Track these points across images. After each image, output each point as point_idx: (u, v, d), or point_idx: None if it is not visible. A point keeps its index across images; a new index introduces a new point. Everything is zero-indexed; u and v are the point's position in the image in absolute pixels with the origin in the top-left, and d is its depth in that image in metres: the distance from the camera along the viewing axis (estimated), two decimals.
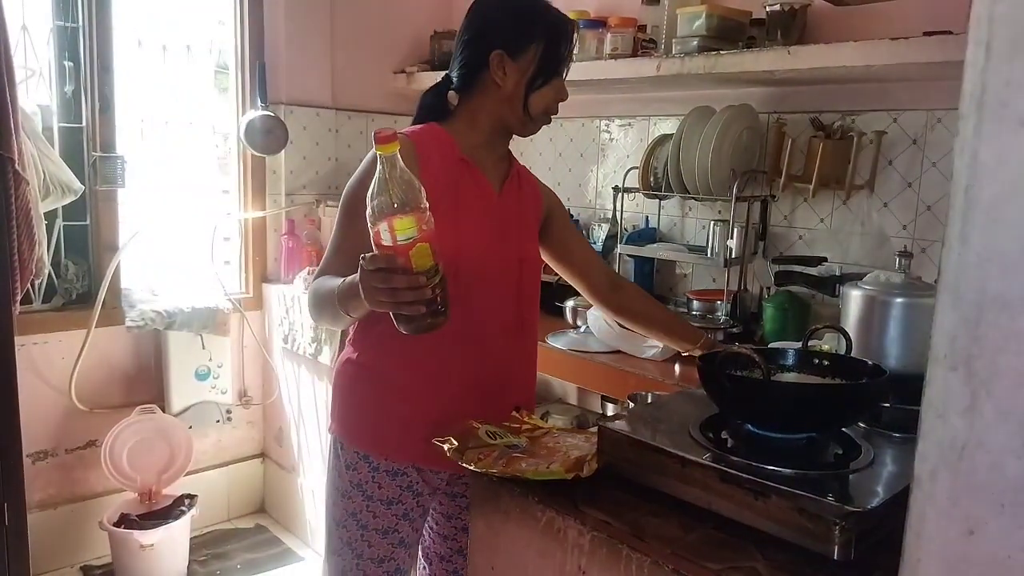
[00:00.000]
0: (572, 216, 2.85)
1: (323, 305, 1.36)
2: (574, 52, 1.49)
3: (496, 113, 1.45)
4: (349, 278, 1.26)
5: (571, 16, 2.44)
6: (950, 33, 1.60)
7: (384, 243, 1.12)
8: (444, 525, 1.59)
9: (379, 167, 1.10)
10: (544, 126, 1.49)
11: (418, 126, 1.47)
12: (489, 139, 1.48)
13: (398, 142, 1.10)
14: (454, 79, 1.48)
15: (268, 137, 2.79)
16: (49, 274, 2.45)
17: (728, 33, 2.04)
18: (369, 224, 1.12)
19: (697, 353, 1.63)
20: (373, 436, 1.46)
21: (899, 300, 1.33)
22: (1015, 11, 0.58)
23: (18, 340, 1.93)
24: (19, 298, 2.07)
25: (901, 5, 1.75)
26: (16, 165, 1.94)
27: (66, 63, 2.47)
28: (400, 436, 1.43)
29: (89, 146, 2.53)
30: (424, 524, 1.57)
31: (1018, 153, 0.59)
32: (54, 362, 2.56)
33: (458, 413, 1.35)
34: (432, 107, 1.51)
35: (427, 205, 1.13)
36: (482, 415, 1.37)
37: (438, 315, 1.17)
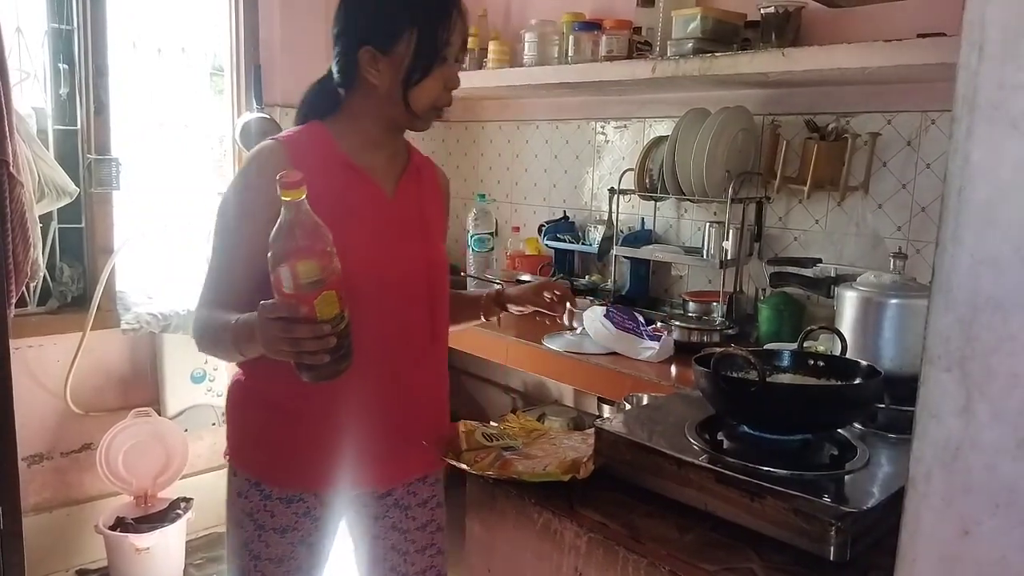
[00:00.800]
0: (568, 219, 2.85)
1: (214, 341, 1.27)
2: (466, 30, 1.33)
3: (377, 112, 1.32)
4: (244, 318, 1.18)
5: (566, 18, 2.47)
6: (944, 35, 1.61)
7: (286, 290, 1.06)
8: (411, 542, 1.49)
9: (283, 211, 1.06)
10: (436, 120, 1.36)
11: (296, 128, 1.37)
12: (376, 138, 1.35)
13: (305, 188, 1.06)
14: (334, 75, 1.34)
15: (263, 138, 2.76)
16: (44, 277, 2.45)
17: (723, 35, 2.05)
18: (270, 268, 1.07)
19: (497, 312, 1.59)
20: (263, 463, 1.36)
21: (893, 301, 1.34)
22: (1007, 14, 0.58)
23: (13, 343, 1.93)
24: (14, 301, 2.06)
25: (895, 7, 1.76)
26: (11, 168, 1.94)
27: (61, 65, 2.47)
28: (291, 462, 1.34)
29: (84, 148, 2.53)
30: (330, 544, 1.45)
31: (1010, 155, 0.59)
32: (49, 365, 2.55)
33: (359, 436, 1.32)
34: (314, 104, 1.38)
35: (333, 250, 1.08)
36: (389, 436, 1.35)
37: (342, 361, 1.12)
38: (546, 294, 1.59)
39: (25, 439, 2.21)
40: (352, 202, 1.30)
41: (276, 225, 1.07)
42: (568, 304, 1.60)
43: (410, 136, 1.43)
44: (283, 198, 1.05)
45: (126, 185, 2.61)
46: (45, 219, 2.40)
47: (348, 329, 1.12)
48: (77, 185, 2.42)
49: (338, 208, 1.22)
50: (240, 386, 1.40)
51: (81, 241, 2.60)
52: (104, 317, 2.59)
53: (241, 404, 1.41)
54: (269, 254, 1.06)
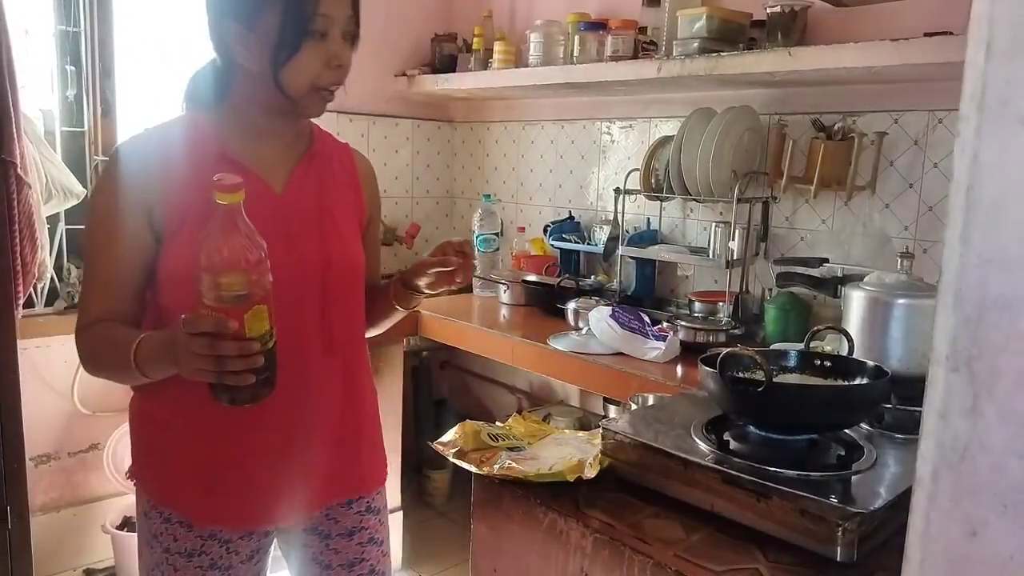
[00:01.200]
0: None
1: (111, 361, 1.15)
2: (353, 2, 1.18)
3: (255, 96, 1.19)
4: (152, 335, 1.09)
5: (571, 19, 2.47)
6: (950, 34, 1.60)
7: (211, 303, 0.97)
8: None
9: (217, 216, 0.97)
10: (328, 102, 1.21)
11: (171, 119, 1.24)
12: (262, 127, 1.22)
13: (243, 193, 0.97)
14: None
15: None
16: (51, 278, 2.46)
17: (728, 35, 2.05)
18: (197, 277, 0.97)
19: (408, 294, 1.35)
20: (161, 485, 1.26)
21: (901, 301, 1.33)
22: (1015, 10, 0.58)
23: (20, 344, 1.94)
24: (21, 302, 2.07)
25: (901, 6, 1.76)
26: (18, 169, 1.95)
27: (68, 67, 2.48)
28: (180, 489, 1.24)
29: (91, 150, 2.54)
30: (253, 569, 1.31)
31: (1019, 153, 0.58)
32: (56, 365, 2.56)
33: (255, 457, 1.21)
34: (195, 94, 1.25)
35: (267, 261, 1.00)
36: (281, 467, 1.22)
37: (264, 386, 1.03)
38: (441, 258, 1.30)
39: (32, 439, 2.22)
40: None
41: (207, 231, 0.98)
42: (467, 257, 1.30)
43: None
44: (218, 201, 0.97)
45: None
46: (52, 220, 2.41)
47: (275, 349, 1.03)
48: (84, 186, 2.43)
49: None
50: (135, 403, 1.31)
51: None
52: None
53: (137, 423, 1.31)
54: (200, 261, 0.97)
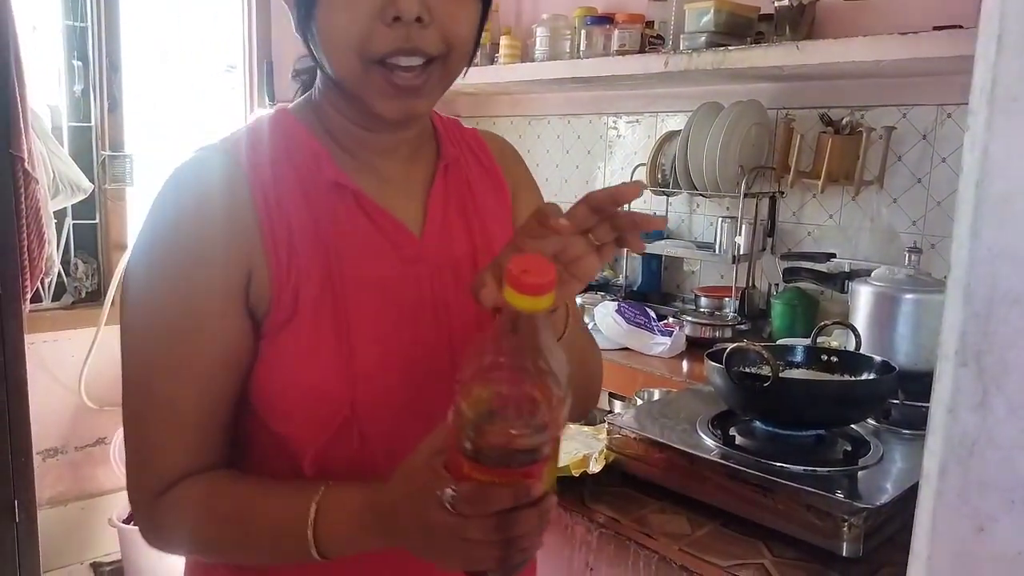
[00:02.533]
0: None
1: (247, 539, 0.72)
2: None
3: (329, 94, 0.77)
4: (340, 497, 0.68)
5: (578, 13, 2.46)
6: (960, 27, 1.59)
7: (492, 461, 0.58)
8: None
9: (504, 328, 0.58)
10: (411, 92, 0.70)
11: (255, 123, 0.79)
12: (366, 140, 0.78)
13: (554, 294, 0.57)
14: None
15: None
16: (59, 273, 2.47)
17: (736, 28, 2.04)
18: (462, 428, 0.57)
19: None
20: None
21: (908, 296, 1.33)
22: None
23: (28, 338, 1.95)
24: (29, 296, 2.08)
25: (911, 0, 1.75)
26: (26, 164, 1.95)
27: (75, 62, 2.48)
28: None
29: (98, 145, 2.55)
30: None
31: None
32: (64, 360, 2.57)
33: None
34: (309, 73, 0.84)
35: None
36: None
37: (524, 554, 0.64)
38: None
39: (40, 433, 2.23)
40: (351, 261, 0.74)
41: (483, 351, 0.58)
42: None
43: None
44: (516, 305, 0.57)
45: (139, 181, 2.63)
46: (59, 215, 2.42)
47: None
48: (91, 181, 2.44)
49: (328, 283, 0.72)
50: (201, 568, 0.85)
51: (95, 237, 2.62)
52: (118, 312, 2.61)
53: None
54: (468, 397, 0.57)
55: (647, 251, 2.42)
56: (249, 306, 0.72)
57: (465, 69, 0.76)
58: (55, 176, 2.24)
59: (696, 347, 1.98)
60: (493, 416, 0.58)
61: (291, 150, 0.76)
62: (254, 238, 0.71)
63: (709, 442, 1.06)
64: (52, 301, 2.53)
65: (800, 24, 1.96)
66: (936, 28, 1.62)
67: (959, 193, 0.62)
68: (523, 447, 0.58)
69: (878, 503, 0.90)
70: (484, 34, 0.78)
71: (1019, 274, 0.59)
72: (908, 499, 0.88)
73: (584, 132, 2.81)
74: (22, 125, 1.94)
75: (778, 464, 0.98)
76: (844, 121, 2.05)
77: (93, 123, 2.54)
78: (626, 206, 0.65)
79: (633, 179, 2.43)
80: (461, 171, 0.85)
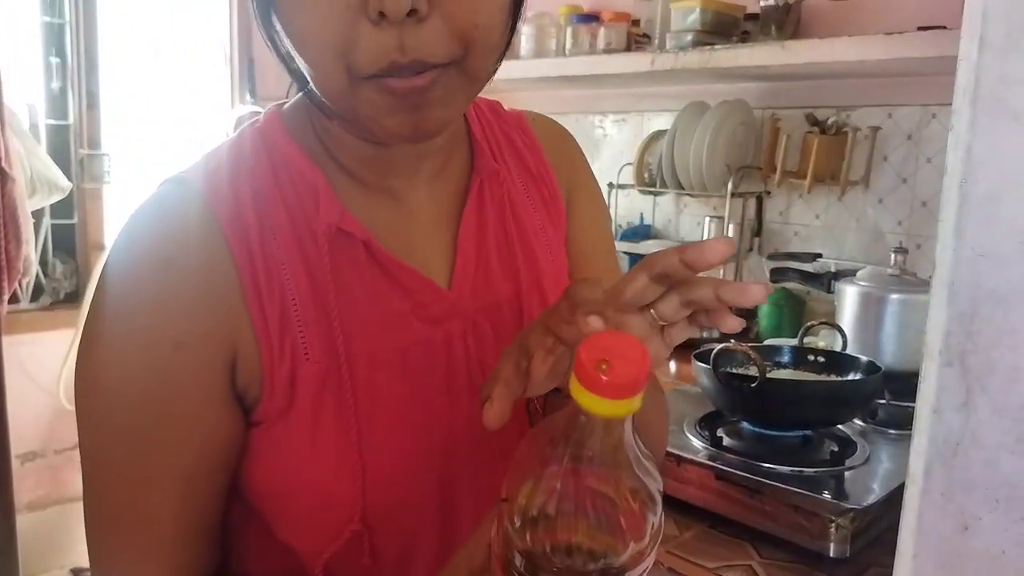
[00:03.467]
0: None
1: None
2: None
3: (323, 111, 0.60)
4: None
5: (564, 11, 2.45)
6: (944, 28, 1.59)
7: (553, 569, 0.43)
8: None
9: (586, 433, 0.42)
10: (416, 106, 0.52)
11: (248, 139, 0.62)
12: (373, 161, 0.62)
13: (642, 392, 0.41)
14: None
15: None
16: (36, 273, 2.44)
17: (722, 28, 2.04)
18: (509, 537, 0.43)
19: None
20: None
21: (894, 296, 1.33)
22: (1009, 5, 0.57)
23: (6, 340, 1.92)
24: (6, 298, 2.05)
25: (896, 0, 1.75)
26: (2, 163, 1.92)
27: (52, 59, 2.45)
28: None
29: (76, 143, 2.52)
30: None
31: (1012, 147, 0.58)
32: (43, 362, 2.54)
33: None
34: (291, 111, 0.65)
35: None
36: None
37: None
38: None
39: (18, 437, 2.20)
40: (373, 334, 0.60)
41: (535, 454, 0.44)
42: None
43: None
44: (592, 410, 0.41)
45: (117, 180, 2.60)
46: (37, 215, 2.38)
47: None
48: (69, 180, 2.40)
49: (342, 352, 0.58)
50: None
51: (73, 237, 2.59)
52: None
53: None
54: (513, 497, 0.43)
55: (635, 251, 2.42)
56: (236, 390, 0.58)
57: (495, 64, 0.58)
58: (32, 175, 2.21)
59: (683, 347, 1.96)
60: (548, 516, 0.42)
61: (282, 183, 0.59)
62: (237, 307, 0.56)
63: (697, 443, 1.06)
64: (30, 302, 2.50)
65: (786, 24, 1.96)
66: (920, 28, 1.63)
67: (943, 193, 0.61)
68: (591, 553, 0.42)
69: (865, 503, 0.90)
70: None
71: (1003, 274, 0.59)
72: (895, 499, 0.88)
73: (571, 131, 2.80)
74: None
75: (766, 465, 0.98)
76: (830, 121, 2.05)
77: (71, 121, 2.50)
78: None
79: (619, 179, 2.42)
80: (501, 185, 0.67)
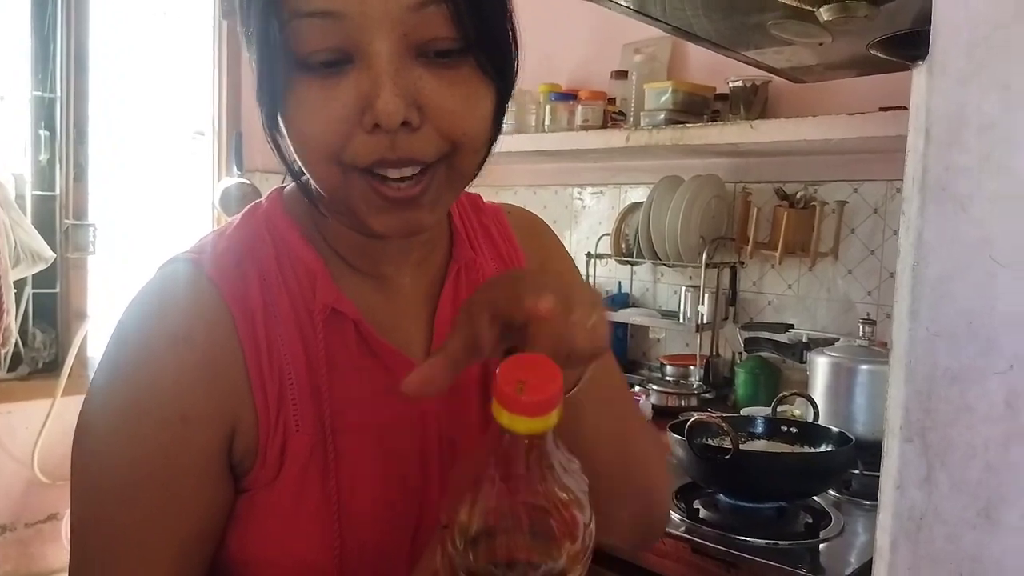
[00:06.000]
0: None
1: None
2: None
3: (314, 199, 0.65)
4: None
5: (543, 89, 2.54)
6: (904, 108, 1.67)
7: None
8: None
9: (493, 440, 0.46)
10: (406, 204, 0.57)
11: (252, 222, 0.67)
12: (364, 246, 0.66)
13: (560, 408, 0.46)
14: None
15: (244, 204, 2.75)
16: (16, 342, 2.42)
17: (693, 107, 2.12)
18: (453, 562, 0.46)
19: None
20: None
21: (863, 367, 1.36)
22: (948, 104, 0.62)
23: None
24: None
25: (857, 82, 1.83)
26: None
27: (42, 132, 2.49)
28: None
29: (62, 214, 2.53)
30: None
31: (959, 234, 0.61)
32: (17, 432, 2.50)
33: None
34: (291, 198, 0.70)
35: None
36: None
37: None
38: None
39: None
40: (358, 409, 0.64)
41: (468, 474, 0.47)
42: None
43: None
44: (514, 429, 0.45)
45: (102, 249, 2.61)
46: (19, 284, 2.38)
47: None
48: (54, 250, 2.41)
49: (329, 426, 0.61)
50: None
51: (55, 306, 2.58)
52: (76, 383, 2.55)
53: None
54: (452, 522, 0.46)
55: (613, 319, 2.45)
56: (232, 461, 0.60)
57: (480, 164, 0.61)
58: (16, 245, 2.22)
59: (662, 416, 1.98)
60: (488, 534, 0.44)
61: (284, 266, 0.64)
62: (240, 384, 0.59)
63: (674, 516, 1.07)
64: (8, 372, 2.47)
65: (753, 104, 2.04)
66: (882, 109, 1.71)
67: (897, 275, 0.65)
68: (531, 563, 0.44)
69: None
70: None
71: (957, 353, 0.61)
72: (869, 571, 0.89)
73: (550, 202, 2.87)
74: None
75: (741, 538, 0.99)
76: (798, 195, 2.12)
77: (58, 192, 2.52)
78: None
79: (597, 249, 2.47)
80: (476, 274, 0.72)
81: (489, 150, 0.63)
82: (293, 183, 0.68)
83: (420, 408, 0.65)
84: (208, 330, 0.59)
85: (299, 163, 0.59)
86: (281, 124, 0.58)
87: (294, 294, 0.63)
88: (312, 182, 0.59)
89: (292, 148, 0.58)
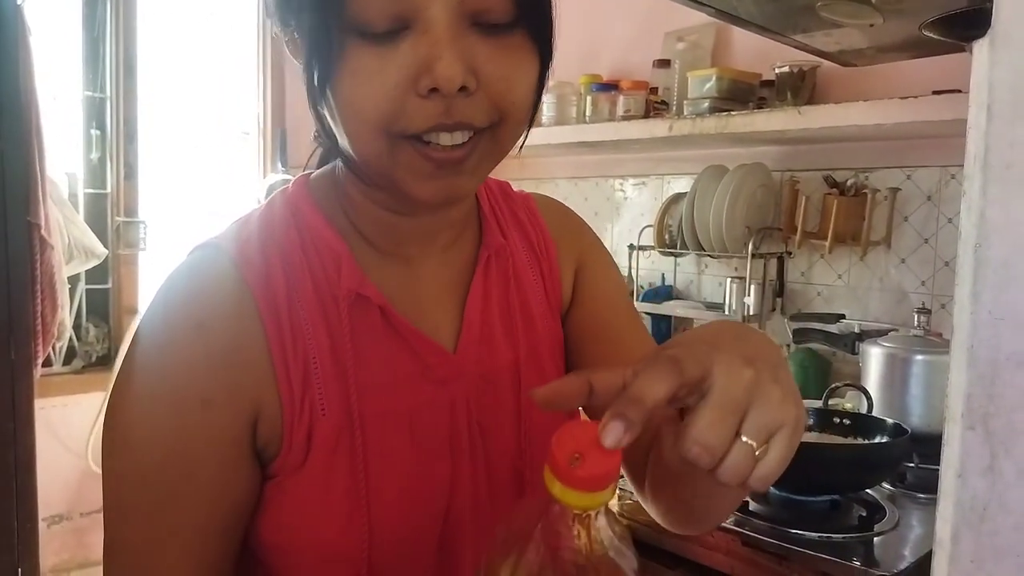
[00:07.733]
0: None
1: None
2: None
3: (350, 174, 0.65)
4: None
5: (584, 80, 2.52)
6: (959, 92, 1.62)
7: None
8: None
9: (545, 505, 0.43)
10: (456, 171, 0.58)
11: (277, 208, 0.67)
12: (393, 227, 0.66)
13: (617, 484, 0.43)
14: None
15: None
16: (70, 337, 2.49)
17: (738, 94, 2.08)
18: None
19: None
20: None
21: (919, 357, 1.32)
22: (1013, 75, 0.59)
23: (37, 403, 1.95)
24: (40, 362, 2.10)
25: (909, 65, 1.78)
26: (42, 231, 1.99)
27: (93, 131, 2.56)
28: None
29: (113, 211, 2.60)
30: None
31: None
32: (73, 425, 2.57)
33: None
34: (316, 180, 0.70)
35: None
36: None
37: None
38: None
39: (46, 499, 2.21)
40: (385, 393, 0.63)
41: (517, 531, 0.45)
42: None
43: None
44: (565, 501, 0.42)
45: (152, 246, 2.67)
46: (72, 280, 2.45)
47: None
48: (105, 246, 2.48)
49: (356, 411, 0.61)
50: None
51: (107, 301, 2.65)
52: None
53: None
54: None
55: (656, 312, 2.42)
56: (256, 446, 0.61)
57: (523, 138, 0.64)
58: (70, 242, 2.28)
59: None
60: None
61: (308, 250, 0.64)
62: (264, 369, 0.60)
63: None
64: (63, 365, 2.55)
65: (801, 89, 2.00)
66: (936, 92, 1.65)
67: (958, 257, 0.62)
68: None
69: (895, 570, 0.88)
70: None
71: (1020, 338, 0.59)
72: (926, 565, 0.86)
73: (591, 194, 2.84)
74: (40, 193, 1.98)
75: (793, 531, 0.97)
76: (848, 183, 2.07)
77: (109, 190, 2.60)
78: None
79: (640, 241, 2.44)
80: (506, 261, 0.72)
81: (528, 127, 0.64)
82: (319, 170, 0.69)
83: (450, 394, 0.65)
84: (231, 315, 0.60)
85: (343, 133, 0.58)
86: (329, 94, 0.57)
87: (318, 279, 0.63)
88: (353, 152, 0.58)
89: (339, 117, 0.57)
